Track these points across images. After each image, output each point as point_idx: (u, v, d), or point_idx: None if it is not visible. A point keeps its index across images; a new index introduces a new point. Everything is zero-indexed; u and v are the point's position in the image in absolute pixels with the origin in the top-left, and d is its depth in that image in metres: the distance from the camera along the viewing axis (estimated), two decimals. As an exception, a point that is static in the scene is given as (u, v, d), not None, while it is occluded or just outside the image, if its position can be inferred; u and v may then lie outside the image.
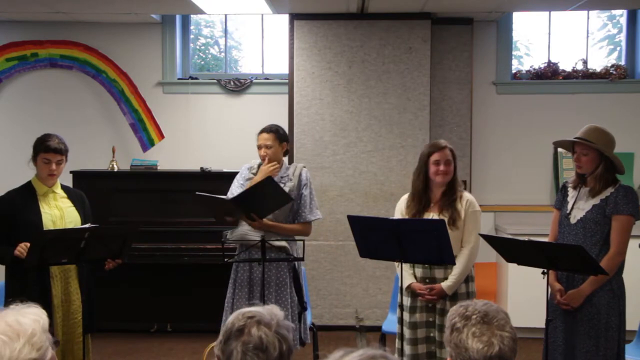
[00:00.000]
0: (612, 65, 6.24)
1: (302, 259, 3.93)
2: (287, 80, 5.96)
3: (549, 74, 6.25)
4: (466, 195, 3.77)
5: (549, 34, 6.41)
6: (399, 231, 3.43)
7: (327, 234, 5.84)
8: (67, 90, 6.28)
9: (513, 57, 6.34)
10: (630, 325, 3.73)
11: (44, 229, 3.60)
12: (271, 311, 1.80)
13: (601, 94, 6.16)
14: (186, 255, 5.54)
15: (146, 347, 5.47)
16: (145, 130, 6.17)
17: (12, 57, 6.19)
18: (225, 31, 6.64)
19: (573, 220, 3.55)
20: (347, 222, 3.65)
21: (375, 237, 3.56)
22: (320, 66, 5.82)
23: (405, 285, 3.67)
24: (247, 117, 6.06)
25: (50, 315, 1.84)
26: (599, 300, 3.46)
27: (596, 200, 3.50)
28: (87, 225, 3.65)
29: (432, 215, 3.68)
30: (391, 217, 3.79)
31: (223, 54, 6.69)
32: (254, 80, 6.30)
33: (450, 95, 6.01)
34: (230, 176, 4.38)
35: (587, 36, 6.42)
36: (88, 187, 4.98)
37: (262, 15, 6.37)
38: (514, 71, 6.34)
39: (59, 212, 3.73)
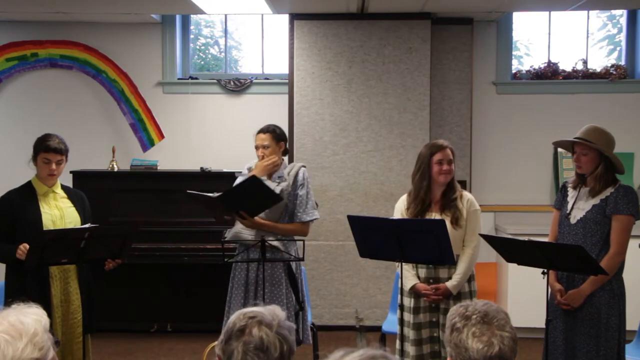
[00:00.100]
0: (612, 65, 6.24)
1: (302, 259, 3.93)
2: (287, 80, 5.96)
3: (549, 74, 6.25)
4: (466, 194, 3.80)
5: (549, 34, 6.41)
6: (399, 231, 3.43)
7: (327, 234, 5.85)
8: (67, 90, 6.28)
9: (513, 57, 6.34)
10: (630, 325, 3.73)
11: (44, 229, 3.60)
12: (273, 311, 1.80)
13: (601, 94, 6.16)
14: (186, 255, 5.54)
15: (146, 347, 5.47)
16: (145, 130, 6.17)
17: (12, 57, 6.19)
18: (225, 31, 6.64)
19: (573, 220, 3.56)
20: (347, 222, 3.65)
21: (375, 237, 3.56)
22: (320, 66, 5.82)
23: (408, 286, 3.68)
24: (247, 117, 6.06)
25: (50, 315, 1.84)
26: (599, 300, 3.46)
27: (596, 200, 3.50)
28: (87, 225, 3.65)
29: (433, 215, 3.69)
30: (391, 217, 3.79)
31: (223, 54, 6.69)
32: (254, 80, 6.30)
33: (450, 95, 6.01)
34: (230, 176, 4.39)
35: (587, 36, 6.42)
36: (88, 187, 4.98)
37: (262, 15, 6.37)
38: (514, 71, 6.34)
39: (59, 212, 3.73)
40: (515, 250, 3.54)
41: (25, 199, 3.70)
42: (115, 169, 5.92)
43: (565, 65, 6.31)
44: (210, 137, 6.25)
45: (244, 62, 6.80)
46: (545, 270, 3.43)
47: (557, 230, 3.68)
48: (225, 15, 6.52)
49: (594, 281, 3.42)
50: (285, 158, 4.25)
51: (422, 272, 3.71)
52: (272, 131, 4.07)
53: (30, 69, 6.26)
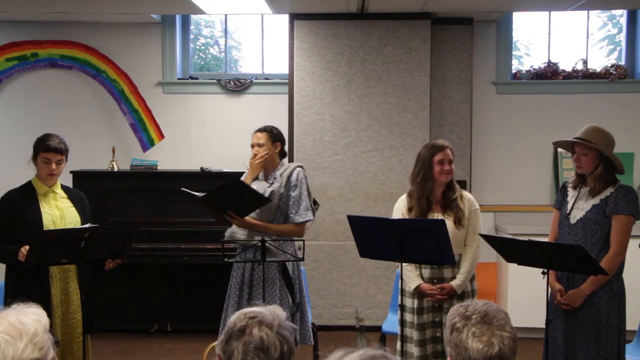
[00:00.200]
0: (612, 65, 6.24)
1: (302, 259, 3.93)
2: (287, 80, 5.96)
3: (549, 74, 6.25)
4: (466, 194, 3.83)
5: (549, 34, 6.41)
6: (399, 231, 3.43)
7: (327, 234, 5.85)
8: (67, 90, 6.28)
9: (513, 57, 6.34)
10: (630, 325, 3.73)
11: (44, 229, 3.60)
12: (273, 312, 1.80)
13: (601, 94, 6.16)
14: (186, 255, 5.54)
15: (146, 347, 5.47)
16: (145, 130, 6.17)
17: (12, 57, 6.19)
18: (225, 31, 6.64)
19: (573, 220, 3.56)
20: (347, 222, 3.65)
21: (375, 237, 3.56)
22: (320, 66, 5.82)
23: (413, 287, 3.69)
24: (247, 117, 6.06)
25: (50, 315, 1.84)
26: (599, 300, 3.46)
27: (596, 200, 3.50)
28: (87, 225, 3.65)
29: (436, 215, 3.69)
30: (391, 217, 3.79)
31: (223, 54, 6.69)
32: (254, 80, 6.30)
33: (450, 95, 6.01)
34: (230, 176, 4.39)
35: (587, 36, 6.42)
36: (88, 187, 4.98)
37: (262, 15, 6.37)
38: (514, 71, 6.34)
39: (59, 212, 3.74)
40: (515, 250, 3.54)
41: (25, 199, 3.70)
42: (115, 169, 5.92)
43: (565, 65, 6.31)
44: (210, 137, 6.25)
45: (244, 62, 6.80)
46: (545, 270, 3.43)
47: (557, 230, 3.68)
48: (225, 15, 6.52)
49: (594, 281, 3.42)
50: (285, 160, 4.24)
51: (426, 272, 3.71)
52: (270, 131, 4.09)
53: (30, 69, 6.26)
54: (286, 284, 4.00)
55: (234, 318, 1.80)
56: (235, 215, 3.94)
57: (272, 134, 4.09)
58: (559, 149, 5.83)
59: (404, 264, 3.67)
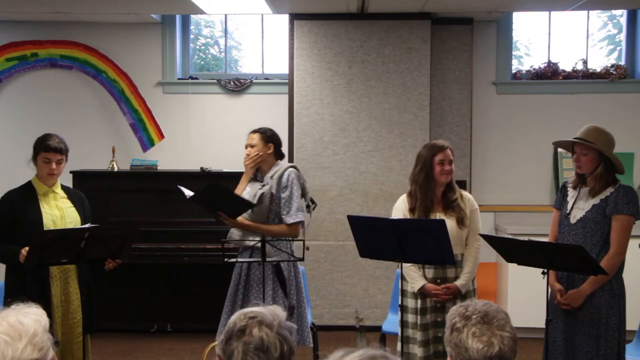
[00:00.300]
0: (612, 65, 6.24)
1: (301, 259, 3.93)
2: (287, 80, 5.96)
3: (549, 74, 6.25)
4: (465, 194, 3.84)
5: (549, 34, 6.41)
6: (399, 231, 3.43)
7: (327, 234, 5.85)
8: (67, 90, 6.28)
9: (513, 57, 6.34)
10: (630, 325, 3.73)
11: (44, 229, 3.60)
12: (273, 312, 1.80)
13: (601, 94, 6.16)
14: (186, 255, 5.54)
15: (146, 347, 5.47)
16: (145, 130, 6.17)
17: (12, 57, 6.19)
18: (225, 31, 6.64)
19: (573, 220, 3.56)
20: (347, 222, 3.65)
21: (375, 237, 3.56)
22: (320, 66, 5.82)
23: (417, 287, 3.69)
24: (247, 117, 6.05)
25: (50, 315, 1.84)
26: (599, 300, 3.46)
27: (596, 200, 3.50)
28: (87, 225, 3.65)
29: (437, 215, 3.69)
30: (391, 217, 3.79)
31: (223, 54, 6.69)
32: (254, 80, 6.30)
33: (450, 95, 6.01)
34: (230, 176, 4.40)
35: (587, 36, 6.42)
36: (88, 187, 4.98)
37: (262, 15, 6.37)
38: (514, 71, 6.34)
39: (59, 212, 3.74)
40: (515, 250, 3.54)
41: (26, 199, 3.70)
42: (115, 169, 5.92)
43: (565, 65, 6.31)
44: (210, 137, 6.25)
45: (244, 62, 6.80)
46: (545, 270, 3.43)
47: (557, 230, 3.68)
48: (225, 15, 6.52)
49: (594, 281, 3.42)
50: (282, 161, 4.21)
51: (430, 272, 3.72)
52: (263, 132, 4.12)
53: (30, 69, 6.26)
54: (280, 284, 3.99)
55: (234, 318, 1.80)
56: (225, 216, 3.98)
57: (265, 135, 4.11)
58: (559, 149, 5.83)
59: (407, 265, 3.67)
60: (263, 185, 4.03)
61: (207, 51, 6.94)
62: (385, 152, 5.81)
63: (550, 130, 5.87)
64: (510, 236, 4.83)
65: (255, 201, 3.95)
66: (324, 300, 5.87)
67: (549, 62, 6.31)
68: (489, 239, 3.64)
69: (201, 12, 5.71)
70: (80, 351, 3.75)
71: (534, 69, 6.30)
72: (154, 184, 5.77)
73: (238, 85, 6.27)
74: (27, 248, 3.45)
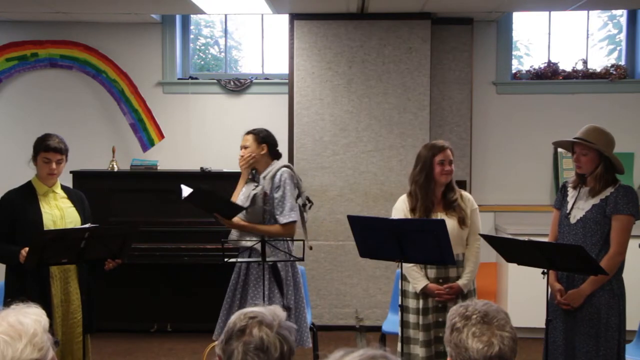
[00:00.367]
0: (612, 65, 6.24)
1: (301, 259, 3.93)
2: (287, 80, 5.96)
3: (549, 74, 6.25)
4: (465, 193, 3.85)
5: (549, 34, 6.41)
6: (399, 231, 3.43)
7: (327, 234, 5.85)
8: (67, 90, 6.28)
9: (513, 57, 6.34)
10: (630, 325, 3.73)
11: (45, 228, 3.60)
12: (273, 312, 1.80)
13: (601, 94, 6.16)
14: (186, 255, 5.54)
15: (146, 347, 5.47)
16: (145, 130, 6.17)
17: (12, 57, 6.19)
18: (225, 31, 6.64)
19: (573, 220, 3.56)
20: (347, 222, 3.65)
21: (375, 237, 3.56)
22: (320, 66, 5.82)
23: (419, 287, 3.68)
24: (247, 117, 6.05)
25: (50, 315, 1.84)
26: (599, 300, 3.46)
27: (596, 200, 3.50)
28: (87, 225, 3.65)
29: (439, 215, 3.69)
30: (391, 217, 3.79)
31: (223, 54, 6.69)
32: (254, 80, 6.30)
33: (450, 95, 6.01)
34: (230, 176, 4.40)
35: (587, 36, 6.42)
36: (88, 187, 4.98)
37: (262, 15, 6.37)
38: (514, 71, 6.34)
39: (59, 212, 3.74)
40: (515, 250, 3.54)
41: (26, 199, 3.70)
42: (115, 169, 5.92)
43: (565, 65, 6.31)
44: (210, 137, 6.24)
45: (244, 62, 6.80)
46: (545, 270, 3.43)
47: (557, 230, 3.68)
48: (225, 15, 6.52)
49: (594, 281, 3.42)
50: (282, 161, 4.21)
51: (432, 272, 3.72)
52: (256, 133, 4.14)
53: (30, 69, 6.26)
54: (277, 284, 3.99)
55: (234, 318, 1.80)
56: (221, 217, 4.02)
57: (258, 136, 4.12)
58: (559, 149, 5.83)
59: (409, 265, 3.67)
60: (256, 186, 4.05)
61: (207, 51, 6.94)
62: (385, 152, 5.81)
63: (550, 130, 5.87)
64: (510, 236, 4.83)
65: (248, 202, 3.98)
66: (324, 300, 5.87)
67: (549, 62, 6.31)
68: (489, 239, 3.64)
69: (201, 12, 5.71)
70: (80, 351, 3.75)
71: (534, 69, 6.30)
72: (154, 184, 5.77)
73: (238, 85, 6.27)
74: (27, 248, 3.44)
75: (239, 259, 4.02)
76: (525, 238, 3.46)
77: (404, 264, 3.64)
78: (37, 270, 3.57)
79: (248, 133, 4.16)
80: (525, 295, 5.23)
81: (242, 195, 4.05)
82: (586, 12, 6.31)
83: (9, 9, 5.76)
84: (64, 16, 5.92)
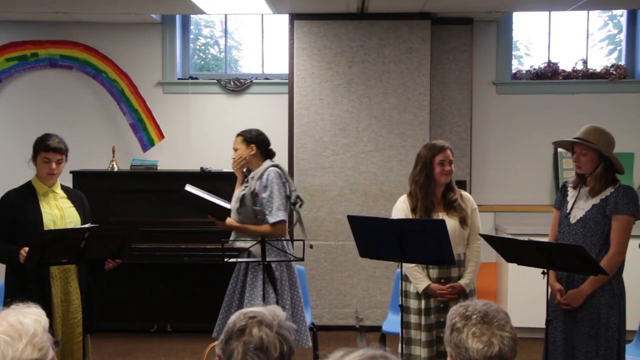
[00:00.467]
0: (612, 65, 6.24)
1: (301, 259, 3.93)
2: (287, 80, 5.96)
3: (549, 74, 6.25)
4: (465, 193, 3.85)
5: (549, 34, 6.41)
6: (399, 231, 3.43)
7: (327, 234, 5.84)
8: (67, 90, 6.28)
9: (513, 57, 6.34)
10: (630, 325, 3.73)
11: (45, 228, 3.60)
12: (273, 312, 1.80)
13: (601, 94, 6.16)
14: (186, 255, 5.54)
15: (146, 347, 5.47)
16: (145, 130, 6.17)
17: (12, 57, 6.19)
18: (225, 31, 6.64)
19: (573, 220, 3.56)
20: (347, 222, 3.65)
21: (375, 237, 3.56)
22: (320, 66, 5.82)
23: (422, 287, 3.68)
24: (247, 117, 6.04)
25: (50, 315, 1.84)
26: (599, 300, 3.46)
27: (596, 200, 3.50)
28: (87, 226, 3.65)
29: (440, 215, 3.69)
30: (391, 217, 3.79)
31: (223, 54, 6.69)
32: (254, 80, 6.30)
33: (450, 95, 6.01)
34: (230, 176, 4.39)
35: (587, 36, 6.42)
36: (88, 187, 4.98)
37: (262, 15, 6.37)
38: (514, 71, 6.34)
39: (59, 212, 3.74)
40: (515, 250, 3.54)
41: (26, 199, 3.70)
42: (115, 169, 5.92)
43: (565, 65, 6.31)
44: (210, 137, 6.24)
45: (244, 62, 6.80)
46: (545, 270, 3.43)
47: (557, 230, 3.68)
48: (225, 15, 6.52)
49: (594, 281, 3.42)
50: (269, 161, 4.19)
51: (434, 272, 3.72)
52: (244, 134, 4.16)
53: (30, 69, 6.26)
54: (271, 283, 3.99)
55: (234, 318, 1.80)
56: (213, 219, 4.06)
57: (246, 137, 4.14)
58: (559, 149, 5.83)
59: (411, 265, 3.67)
60: (246, 187, 4.06)
61: (207, 51, 6.94)
62: (385, 152, 5.81)
63: (550, 130, 5.87)
64: (510, 236, 4.83)
65: (237, 203, 4.00)
66: (324, 300, 5.87)
67: (549, 62, 6.31)
68: (489, 239, 3.64)
69: (201, 12, 5.71)
70: (80, 351, 3.75)
71: (534, 69, 6.30)
72: (154, 184, 5.77)
73: (238, 85, 6.27)
74: (27, 248, 3.44)
75: (239, 259, 4.02)
76: (525, 238, 3.46)
77: (405, 265, 3.64)
78: (37, 270, 3.57)
79: (237, 135, 4.19)
80: (525, 295, 5.23)
81: (234, 196, 4.07)
82: (586, 12, 6.31)
83: (9, 9, 5.76)
84: (64, 16, 5.92)
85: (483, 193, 6.07)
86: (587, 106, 6.09)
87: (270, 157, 4.15)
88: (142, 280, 5.76)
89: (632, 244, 3.70)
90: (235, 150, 4.15)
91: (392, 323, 4.41)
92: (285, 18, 6.03)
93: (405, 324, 3.72)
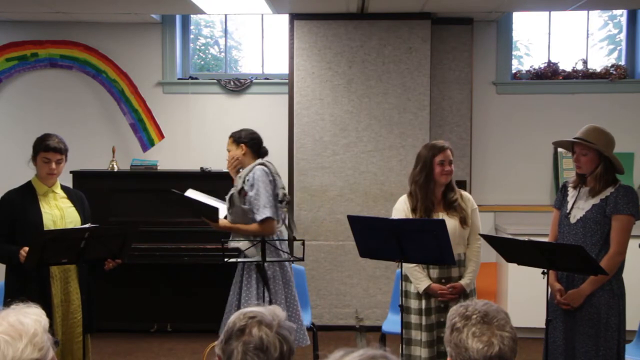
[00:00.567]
0: (612, 65, 6.24)
1: (302, 259, 3.93)
2: (287, 80, 5.96)
3: (549, 74, 6.25)
4: (464, 193, 3.85)
5: (549, 34, 6.41)
6: (399, 231, 3.43)
7: (327, 234, 5.84)
8: (67, 90, 6.28)
9: (513, 57, 6.34)
10: (630, 325, 3.73)
11: (45, 229, 3.60)
12: (273, 312, 1.80)
13: (601, 94, 6.16)
14: (186, 255, 5.54)
15: (146, 347, 5.47)
16: (145, 130, 6.17)
17: (12, 57, 6.19)
18: (225, 31, 6.64)
19: (573, 219, 3.56)
20: (347, 222, 3.65)
21: (375, 237, 3.56)
22: (320, 66, 5.82)
23: (422, 287, 3.68)
24: (247, 117, 6.04)
25: (50, 315, 1.85)
26: (598, 300, 3.46)
27: (596, 200, 3.50)
28: (87, 225, 3.65)
29: (440, 215, 3.69)
30: (391, 217, 3.79)
31: (223, 54, 6.69)
32: (254, 80, 6.30)
33: (450, 95, 6.01)
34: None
35: (587, 36, 6.42)
36: (88, 187, 4.98)
37: (262, 15, 6.37)
38: (514, 71, 6.34)
39: (59, 212, 3.74)
40: (515, 250, 3.54)
41: (25, 199, 3.70)
42: (115, 169, 5.92)
43: (565, 65, 6.31)
44: (210, 137, 6.24)
45: (244, 62, 6.80)
46: (545, 270, 3.43)
47: (557, 230, 3.68)
48: (225, 15, 6.52)
49: (594, 281, 3.42)
50: (258, 160, 4.19)
51: (435, 272, 3.72)
52: (233, 136, 4.20)
53: (30, 69, 6.26)
54: (263, 282, 3.99)
55: (234, 318, 1.80)
56: (207, 220, 4.08)
57: (235, 138, 4.18)
58: (559, 149, 5.83)
59: (411, 265, 3.67)
60: (235, 187, 4.07)
61: (207, 51, 6.94)
62: (385, 152, 5.81)
63: (550, 130, 5.87)
64: (510, 236, 4.83)
65: (228, 203, 4.03)
66: (324, 300, 5.87)
67: (549, 62, 6.31)
68: (489, 239, 3.64)
69: (201, 12, 5.71)
70: (80, 351, 3.75)
71: (534, 69, 6.30)
72: (154, 184, 5.77)
73: (238, 85, 6.27)
74: (27, 248, 3.44)
75: (239, 259, 4.02)
76: (525, 238, 3.46)
77: (405, 265, 3.64)
78: (37, 271, 3.57)
79: (229, 136, 4.22)
80: (525, 295, 5.23)
81: (227, 196, 4.09)
82: (586, 12, 6.31)
83: (9, 9, 5.76)
84: (64, 16, 5.92)
85: (483, 193, 6.07)
86: (587, 106, 6.09)
87: (262, 156, 4.16)
88: (142, 280, 5.76)
89: (632, 244, 3.70)
90: (229, 151, 4.19)
91: (392, 323, 4.41)
92: (285, 18, 6.03)
93: (405, 324, 3.72)
